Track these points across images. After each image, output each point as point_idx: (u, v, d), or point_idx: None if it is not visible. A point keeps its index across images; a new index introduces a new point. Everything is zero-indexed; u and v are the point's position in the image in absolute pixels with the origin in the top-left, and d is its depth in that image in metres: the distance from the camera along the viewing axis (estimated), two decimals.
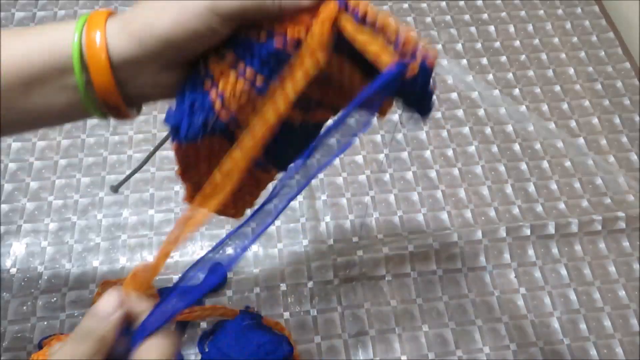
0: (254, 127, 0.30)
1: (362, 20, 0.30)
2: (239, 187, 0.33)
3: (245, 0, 0.29)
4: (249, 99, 0.31)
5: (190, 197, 0.37)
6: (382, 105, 0.35)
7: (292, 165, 0.31)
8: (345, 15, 0.30)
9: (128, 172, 0.57)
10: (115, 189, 0.56)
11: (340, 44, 0.30)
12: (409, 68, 0.30)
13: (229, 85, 0.30)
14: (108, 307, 0.28)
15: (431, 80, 0.32)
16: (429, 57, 0.31)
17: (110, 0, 0.75)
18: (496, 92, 0.68)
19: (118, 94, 0.31)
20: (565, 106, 0.68)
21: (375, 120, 0.66)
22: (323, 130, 0.32)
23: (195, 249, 0.57)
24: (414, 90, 0.32)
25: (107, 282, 0.54)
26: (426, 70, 0.31)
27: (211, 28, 0.30)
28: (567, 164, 0.64)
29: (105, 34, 0.30)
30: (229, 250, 0.31)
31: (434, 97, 0.34)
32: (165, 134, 0.33)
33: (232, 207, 0.40)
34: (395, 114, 0.67)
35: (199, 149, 0.34)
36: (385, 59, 0.29)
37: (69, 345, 0.27)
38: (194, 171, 0.36)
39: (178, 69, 0.32)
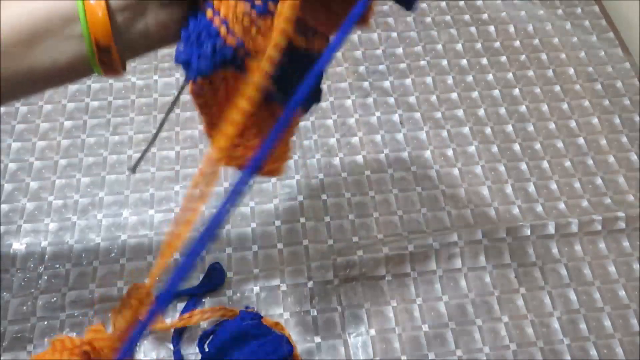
0: (262, 54, 0.31)
1: None
2: (246, 126, 0.33)
3: None
4: (251, 21, 0.31)
5: (209, 130, 0.37)
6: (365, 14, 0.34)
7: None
8: None
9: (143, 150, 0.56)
10: (133, 169, 0.55)
11: None
12: None
13: (230, 9, 0.30)
14: None
15: None
16: None
17: None
18: None
19: (111, 37, 0.30)
20: (565, 106, 0.68)
21: (375, 120, 0.67)
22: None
23: None
24: None
25: (136, 286, 0.53)
26: None
27: None
28: (567, 164, 0.64)
29: None
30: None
31: None
32: (167, 98, 0.32)
33: (239, 150, 0.39)
34: (395, 114, 0.67)
35: (215, 86, 0.33)
36: None
37: None
38: (217, 115, 0.35)
39: (180, 4, 0.31)
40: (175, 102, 0.38)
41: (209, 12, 0.31)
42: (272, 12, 0.31)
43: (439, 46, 0.73)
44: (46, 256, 0.56)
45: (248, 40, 0.32)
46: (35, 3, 0.30)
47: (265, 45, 0.32)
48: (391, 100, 0.68)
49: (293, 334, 0.53)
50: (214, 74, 0.32)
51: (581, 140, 0.66)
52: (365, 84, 0.69)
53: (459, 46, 0.73)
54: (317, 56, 0.36)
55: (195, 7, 0.31)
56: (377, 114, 0.67)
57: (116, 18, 0.30)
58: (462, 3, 0.77)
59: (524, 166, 0.64)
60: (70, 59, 0.31)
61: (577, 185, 0.62)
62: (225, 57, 0.31)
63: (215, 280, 0.54)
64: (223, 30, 0.31)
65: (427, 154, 0.64)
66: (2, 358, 0.51)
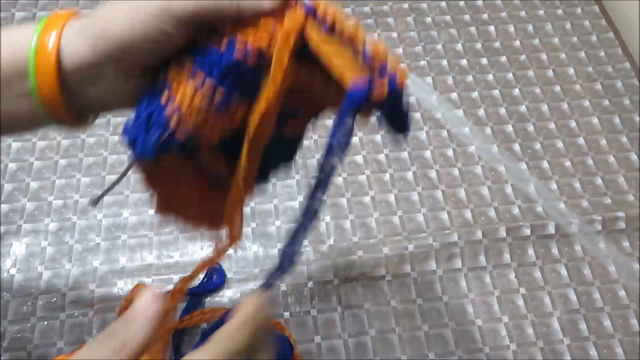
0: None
1: (330, 29, 0.27)
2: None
3: (201, 0, 0.27)
4: (207, 117, 0.29)
5: (159, 208, 0.35)
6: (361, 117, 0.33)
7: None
8: (311, 22, 0.27)
9: (106, 187, 0.55)
10: (94, 203, 0.54)
11: (308, 52, 0.28)
12: (375, 87, 0.27)
13: (186, 100, 0.28)
14: (140, 306, 0.28)
15: (404, 100, 0.30)
16: (398, 77, 0.28)
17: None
18: (461, 112, 0.67)
19: (62, 101, 0.30)
20: (565, 106, 0.68)
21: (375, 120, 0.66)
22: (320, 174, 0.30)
23: (195, 249, 0.57)
24: (386, 111, 0.30)
25: (139, 285, 0.53)
26: (395, 91, 0.28)
27: (165, 31, 0.28)
28: (567, 164, 0.64)
29: (59, 37, 0.29)
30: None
31: (411, 116, 0.31)
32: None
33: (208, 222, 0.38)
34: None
35: (160, 165, 0.31)
36: (348, 75, 0.27)
37: (93, 344, 0.27)
38: (160, 186, 0.34)
39: (140, 76, 0.30)
40: (123, 175, 0.35)
41: (164, 96, 0.28)
42: (232, 113, 0.29)
43: (439, 46, 0.73)
44: (46, 256, 0.56)
45: (201, 132, 0.29)
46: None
47: (220, 132, 0.29)
48: None
49: (293, 334, 0.53)
50: (159, 158, 0.30)
51: (581, 140, 0.66)
52: None
53: (459, 46, 0.73)
54: (291, 138, 0.34)
55: (155, 81, 0.29)
56: (377, 113, 0.67)
57: (68, 81, 0.29)
58: (462, 3, 0.77)
59: (524, 166, 0.64)
60: (26, 114, 0.31)
61: (577, 185, 0.62)
62: (170, 147, 0.29)
63: (215, 280, 0.55)
64: (174, 121, 0.28)
65: (427, 154, 0.64)
66: (2, 358, 0.51)
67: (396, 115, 0.31)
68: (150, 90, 0.29)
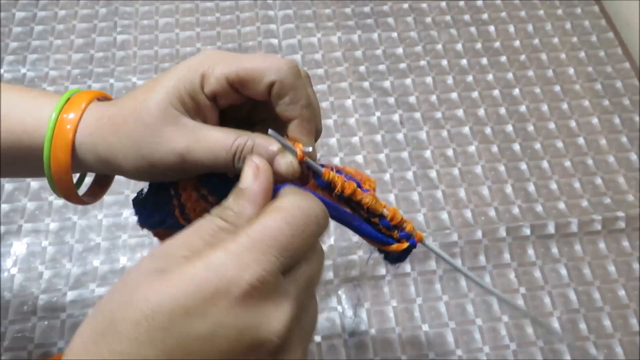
0: None
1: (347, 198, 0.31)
2: None
3: (217, 153, 0.29)
4: (205, 209, 0.32)
5: None
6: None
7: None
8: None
9: None
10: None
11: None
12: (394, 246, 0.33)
13: (190, 203, 0.32)
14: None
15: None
16: (416, 239, 0.34)
17: (111, 1, 0.75)
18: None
19: (74, 192, 0.32)
20: (565, 106, 0.68)
21: (375, 120, 0.67)
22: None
23: None
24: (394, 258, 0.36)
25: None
26: (413, 246, 0.34)
27: (178, 173, 0.30)
28: (567, 164, 0.64)
29: (77, 125, 0.30)
30: None
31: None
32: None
33: None
34: (396, 114, 0.67)
35: (161, 231, 0.36)
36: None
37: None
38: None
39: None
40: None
41: (171, 190, 0.32)
42: None
43: (439, 46, 0.73)
44: (47, 256, 0.56)
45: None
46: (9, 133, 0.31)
47: None
48: (391, 100, 0.68)
49: None
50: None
51: (581, 140, 0.66)
52: (365, 84, 0.69)
53: (459, 46, 0.73)
54: None
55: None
56: (377, 114, 0.67)
57: (81, 163, 0.31)
58: (462, 3, 0.77)
59: (524, 166, 0.64)
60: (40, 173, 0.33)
61: (577, 185, 0.62)
62: (173, 227, 0.33)
63: None
64: (178, 212, 0.32)
65: (427, 154, 0.64)
66: (2, 358, 0.51)
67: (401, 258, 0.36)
68: (158, 182, 0.33)
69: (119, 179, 0.61)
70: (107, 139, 0.30)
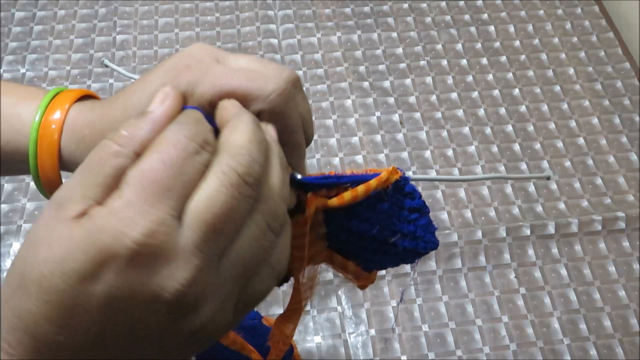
0: None
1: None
2: None
3: None
4: None
5: None
6: (362, 278, 0.35)
7: None
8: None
9: None
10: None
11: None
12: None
13: None
14: None
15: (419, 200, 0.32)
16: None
17: (110, 0, 0.75)
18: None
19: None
20: (565, 106, 0.68)
21: (375, 120, 0.67)
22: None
23: None
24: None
25: None
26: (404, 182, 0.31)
27: None
28: (567, 164, 0.64)
29: (63, 120, 0.29)
30: None
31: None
32: None
33: None
34: (395, 114, 0.67)
35: None
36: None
37: None
38: None
39: None
40: None
41: None
42: None
43: (439, 46, 0.73)
44: None
45: None
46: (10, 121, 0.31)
47: None
48: (391, 100, 0.68)
49: None
50: None
51: (581, 140, 0.66)
52: (365, 84, 0.69)
53: (459, 46, 0.73)
54: None
55: None
56: (377, 114, 0.67)
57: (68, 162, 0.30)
58: (462, 3, 0.77)
59: (524, 166, 0.64)
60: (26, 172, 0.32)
61: (577, 185, 0.62)
62: None
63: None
64: None
65: (427, 154, 0.64)
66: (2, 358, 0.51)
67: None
68: None
69: None
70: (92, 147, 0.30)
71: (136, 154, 0.22)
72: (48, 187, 0.31)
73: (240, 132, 0.23)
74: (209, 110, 0.27)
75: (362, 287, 0.36)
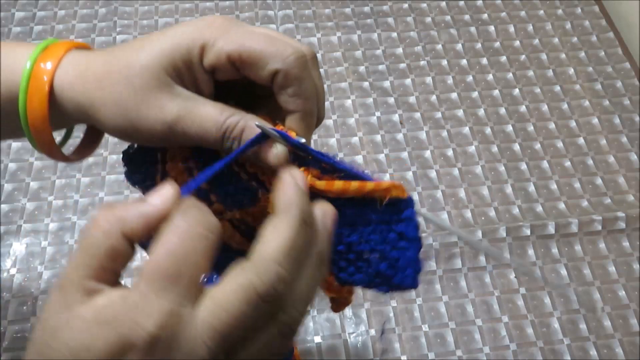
0: None
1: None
2: None
3: (207, 128, 0.27)
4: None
5: None
6: (340, 300, 0.33)
7: None
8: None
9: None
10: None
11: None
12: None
13: (174, 171, 0.31)
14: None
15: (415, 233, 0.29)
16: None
17: (110, 0, 0.75)
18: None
19: (55, 146, 0.31)
20: (565, 106, 0.68)
21: (375, 120, 0.67)
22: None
23: None
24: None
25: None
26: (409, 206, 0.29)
27: (162, 141, 0.29)
28: (567, 164, 0.64)
29: (54, 70, 0.29)
30: None
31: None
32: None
33: None
34: (395, 114, 0.67)
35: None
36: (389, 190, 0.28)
37: None
38: None
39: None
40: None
41: (157, 154, 0.31)
42: (211, 201, 0.31)
43: (439, 46, 0.73)
44: (46, 256, 0.56)
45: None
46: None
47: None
48: (391, 100, 0.68)
49: None
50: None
51: (581, 140, 0.66)
52: (365, 84, 0.69)
53: (459, 46, 0.73)
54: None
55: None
56: (377, 114, 0.67)
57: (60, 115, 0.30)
58: (462, 3, 0.77)
59: (524, 166, 0.64)
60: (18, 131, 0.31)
61: (577, 185, 0.62)
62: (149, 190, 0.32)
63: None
64: (158, 178, 0.31)
65: (427, 154, 0.64)
66: (2, 358, 0.51)
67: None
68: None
69: (118, 178, 0.61)
70: (91, 95, 0.28)
71: (125, 235, 0.23)
72: (39, 139, 0.30)
73: (277, 238, 0.23)
74: (227, 67, 0.27)
75: (335, 308, 0.34)
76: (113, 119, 0.28)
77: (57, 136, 0.32)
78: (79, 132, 0.37)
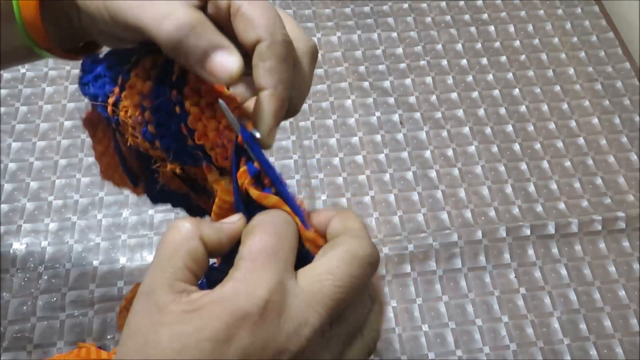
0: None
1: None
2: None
3: (185, 32, 0.26)
4: (134, 127, 0.30)
5: (101, 172, 0.39)
6: None
7: None
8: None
9: None
10: None
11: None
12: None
13: (128, 101, 0.30)
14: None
15: None
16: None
17: None
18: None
19: (47, 37, 0.31)
20: (565, 106, 0.68)
21: (375, 120, 0.67)
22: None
23: None
24: None
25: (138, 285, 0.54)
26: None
27: (124, 28, 0.27)
28: (567, 164, 0.64)
29: None
30: None
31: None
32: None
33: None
34: (395, 114, 0.67)
35: (96, 122, 0.35)
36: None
37: None
38: (99, 155, 0.37)
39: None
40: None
41: (119, 79, 0.30)
42: (154, 146, 0.31)
43: (439, 46, 0.73)
44: (46, 256, 0.56)
45: (125, 133, 0.31)
46: None
47: (138, 145, 0.32)
48: (391, 100, 0.68)
49: None
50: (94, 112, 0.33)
51: (581, 140, 0.66)
52: (365, 84, 0.69)
53: (459, 46, 0.73)
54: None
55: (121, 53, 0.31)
56: (377, 114, 0.67)
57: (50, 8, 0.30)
58: (462, 3, 0.77)
59: (524, 166, 0.64)
60: (14, 40, 0.31)
61: (577, 185, 0.62)
62: (101, 114, 0.31)
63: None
64: (110, 102, 0.30)
65: (427, 154, 0.64)
66: (2, 358, 0.51)
67: None
68: (113, 59, 0.30)
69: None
70: None
71: (202, 239, 0.25)
72: (32, 28, 0.30)
73: (358, 220, 0.27)
74: (227, 20, 0.27)
75: None
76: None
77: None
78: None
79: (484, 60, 0.72)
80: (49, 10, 0.31)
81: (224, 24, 0.28)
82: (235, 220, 0.27)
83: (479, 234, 0.58)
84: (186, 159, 0.31)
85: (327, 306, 0.23)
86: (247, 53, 0.28)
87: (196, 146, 0.29)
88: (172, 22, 0.26)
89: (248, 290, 0.22)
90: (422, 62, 0.71)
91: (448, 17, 0.75)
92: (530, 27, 0.75)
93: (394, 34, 0.74)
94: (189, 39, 0.26)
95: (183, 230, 0.25)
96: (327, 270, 0.24)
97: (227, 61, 0.26)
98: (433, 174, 0.63)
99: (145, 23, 0.26)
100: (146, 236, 0.58)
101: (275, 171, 0.27)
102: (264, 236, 0.25)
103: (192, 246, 0.24)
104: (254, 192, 0.27)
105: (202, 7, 0.28)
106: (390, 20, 0.75)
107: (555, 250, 0.58)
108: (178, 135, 0.29)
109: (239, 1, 0.27)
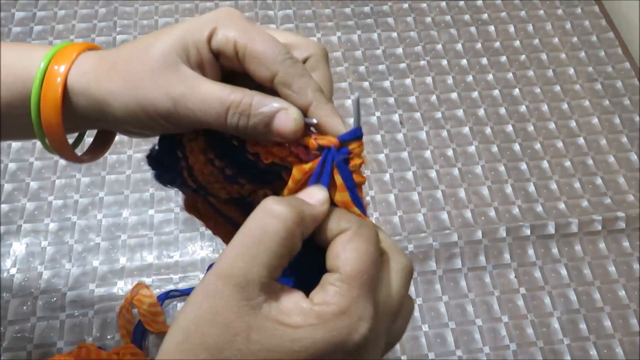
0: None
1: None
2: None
3: (210, 103, 0.28)
4: (218, 180, 0.32)
5: (186, 205, 0.40)
6: None
7: None
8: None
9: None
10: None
11: None
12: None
13: (197, 164, 0.32)
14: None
15: None
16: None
17: (110, 0, 0.75)
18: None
19: (67, 146, 0.31)
20: (565, 106, 0.68)
21: (375, 120, 0.67)
22: None
23: (195, 249, 0.57)
24: None
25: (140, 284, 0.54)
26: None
27: (170, 122, 0.29)
28: (567, 164, 0.64)
29: (68, 71, 0.30)
30: None
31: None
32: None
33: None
34: (395, 114, 0.67)
35: (193, 203, 0.37)
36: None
37: None
38: (206, 222, 0.39)
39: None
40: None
41: (179, 152, 0.32)
42: (242, 184, 0.32)
43: (439, 46, 0.73)
44: (46, 256, 0.56)
45: (212, 188, 0.33)
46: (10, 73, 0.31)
47: (230, 193, 0.33)
48: (391, 100, 0.68)
49: None
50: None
51: (581, 140, 0.66)
52: (365, 84, 0.69)
53: (459, 46, 0.73)
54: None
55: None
56: (377, 114, 0.67)
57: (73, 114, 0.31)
58: (462, 3, 0.77)
59: (524, 166, 0.64)
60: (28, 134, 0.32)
61: (577, 185, 0.62)
62: (182, 188, 0.33)
63: None
64: (186, 174, 0.32)
65: (427, 154, 0.64)
66: (2, 358, 0.51)
67: None
68: (166, 138, 0.32)
69: (118, 178, 0.61)
70: (102, 82, 0.30)
71: (302, 236, 0.26)
72: (52, 137, 0.31)
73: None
74: (232, 53, 0.29)
75: None
76: (122, 101, 0.29)
77: (69, 139, 0.32)
78: (90, 137, 0.37)
79: (484, 60, 0.72)
80: (69, 120, 0.31)
81: (238, 68, 0.30)
82: (322, 199, 0.27)
83: (479, 234, 0.58)
84: (268, 178, 0.32)
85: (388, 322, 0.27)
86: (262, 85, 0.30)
87: (270, 165, 0.31)
88: (222, 106, 0.28)
89: (352, 325, 0.24)
90: (422, 62, 0.71)
91: (448, 17, 0.75)
92: (530, 27, 0.75)
93: (394, 34, 0.74)
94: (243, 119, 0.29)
95: (287, 226, 0.25)
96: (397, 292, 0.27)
97: (285, 119, 0.28)
98: (433, 174, 0.63)
99: (199, 111, 0.28)
100: (146, 236, 0.58)
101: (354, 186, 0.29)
102: (370, 264, 0.25)
103: (293, 244, 0.25)
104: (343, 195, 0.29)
105: (217, 53, 0.30)
106: (390, 20, 0.75)
107: (555, 250, 0.58)
108: (251, 164, 0.31)
109: (242, 42, 0.29)
